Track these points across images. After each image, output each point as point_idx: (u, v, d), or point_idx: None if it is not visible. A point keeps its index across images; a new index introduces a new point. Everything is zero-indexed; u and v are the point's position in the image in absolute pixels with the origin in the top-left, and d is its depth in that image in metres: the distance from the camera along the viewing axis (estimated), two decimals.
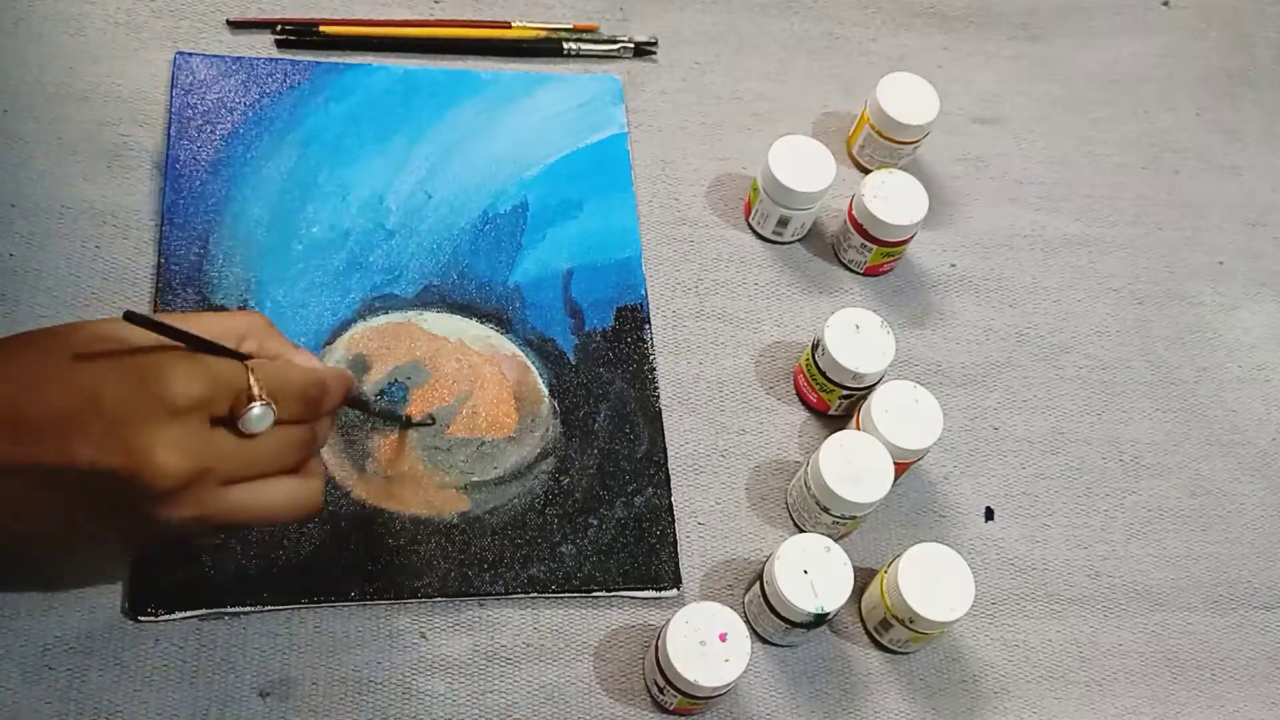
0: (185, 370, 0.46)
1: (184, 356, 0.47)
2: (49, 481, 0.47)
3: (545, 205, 0.75)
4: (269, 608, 0.61)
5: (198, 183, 0.71)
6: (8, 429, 0.46)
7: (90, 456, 0.45)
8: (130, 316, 0.45)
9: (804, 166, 0.73)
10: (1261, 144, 0.89)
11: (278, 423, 0.49)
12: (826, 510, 0.65)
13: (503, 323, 0.70)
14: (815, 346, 0.70)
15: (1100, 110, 0.88)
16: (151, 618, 0.59)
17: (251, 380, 0.48)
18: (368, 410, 0.66)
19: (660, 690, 0.61)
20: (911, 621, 0.62)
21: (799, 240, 0.78)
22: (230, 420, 0.48)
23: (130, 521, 0.48)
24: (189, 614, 0.60)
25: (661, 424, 0.70)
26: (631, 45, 0.82)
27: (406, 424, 0.66)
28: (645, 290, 0.73)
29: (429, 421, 0.66)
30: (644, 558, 0.65)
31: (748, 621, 0.64)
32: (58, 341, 0.47)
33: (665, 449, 0.69)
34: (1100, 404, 0.76)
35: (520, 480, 0.66)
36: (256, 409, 0.47)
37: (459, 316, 0.70)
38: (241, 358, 0.49)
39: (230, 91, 0.74)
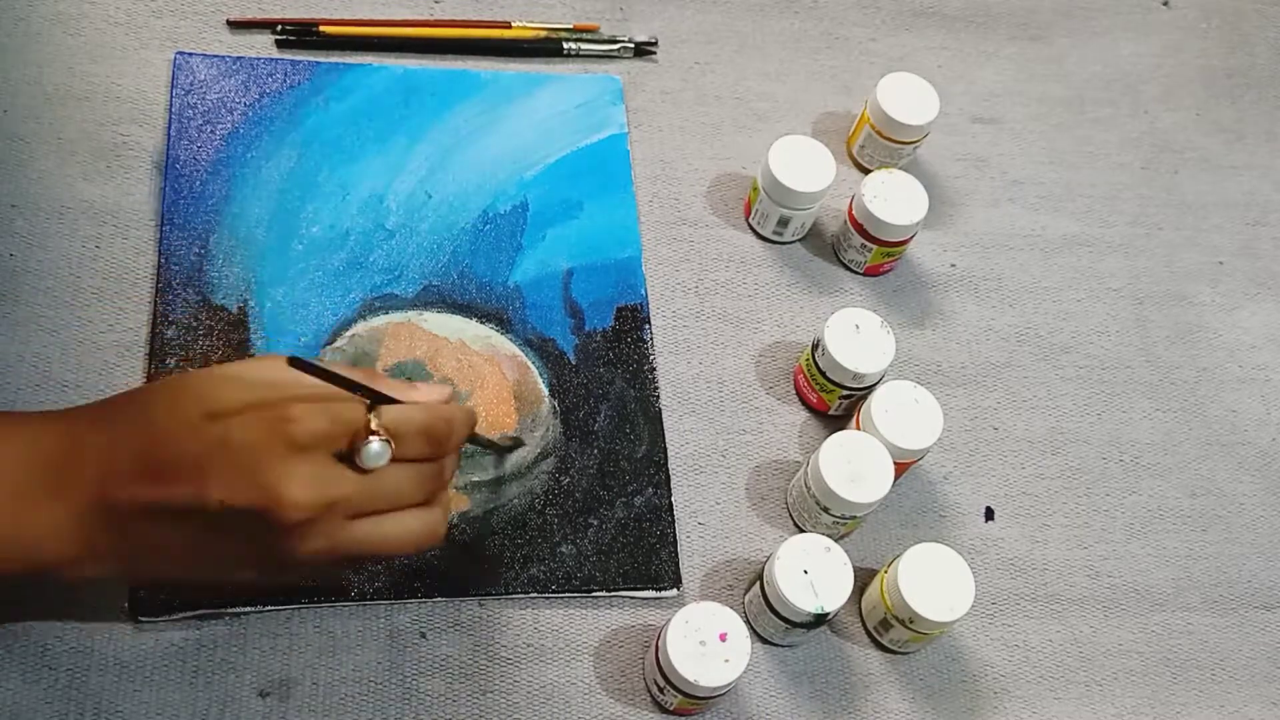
0: (306, 408, 0.48)
1: (304, 395, 0.49)
2: (183, 520, 0.48)
3: (545, 205, 0.75)
4: (269, 608, 0.61)
5: (198, 183, 0.71)
6: (144, 474, 0.48)
7: (222, 495, 0.47)
8: (295, 362, 0.47)
9: (804, 166, 0.73)
10: (1261, 144, 0.89)
11: (402, 460, 0.51)
12: (826, 510, 0.65)
13: (503, 323, 0.70)
14: (815, 346, 0.70)
15: (1100, 110, 0.88)
16: (151, 618, 0.59)
17: (370, 417, 0.49)
18: (492, 446, 0.66)
19: (660, 690, 0.61)
20: (911, 621, 0.62)
21: (799, 240, 0.78)
22: (351, 456, 0.49)
23: (263, 556, 0.50)
24: (189, 614, 0.60)
25: (661, 424, 0.69)
26: (631, 45, 0.82)
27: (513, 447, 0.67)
28: (645, 290, 0.73)
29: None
30: (644, 558, 0.65)
31: (748, 621, 0.64)
32: (187, 392, 0.50)
33: (665, 449, 0.69)
34: (1100, 404, 0.77)
35: (520, 480, 0.66)
36: (375, 445, 0.49)
37: (459, 316, 0.70)
38: (386, 399, 0.51)
39: (230, 91, 0.74)
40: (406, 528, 0.52)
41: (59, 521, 0.49)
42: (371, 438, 0.49)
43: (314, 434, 0.48)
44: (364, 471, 0.49)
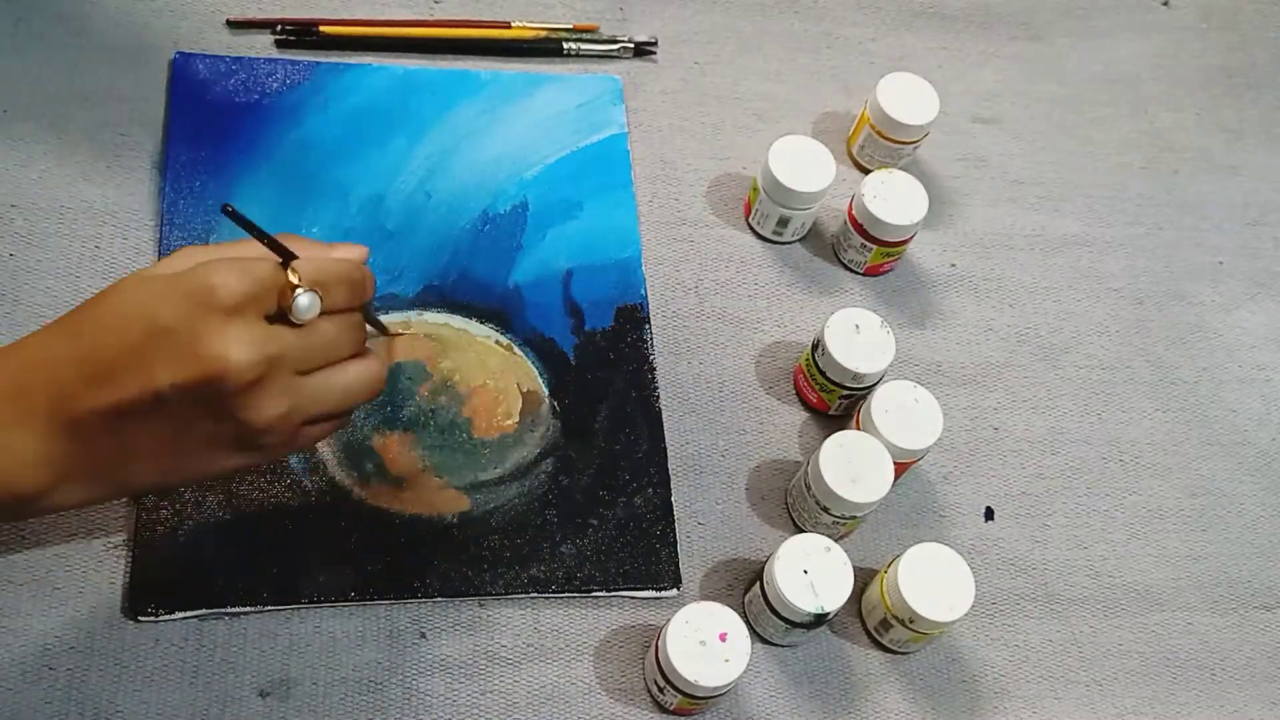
0: (224, 273, 0.49)
1: (219, 263, 0.50)
2: (143, 419, 0.49)
3: (545, 205, 0.75)
4: (269, 608, 0.61)
5: (198, 183, 0.71)
6: (91, 380, 0.49)
7: (169, 376, 0.48)
8: (228, 210, 0.48)
9: (804, 166, 0.73)
10: (1261, 144, 0.89)
11: (329, 312, 0.51)
12: (826, 510, 0.65)
13: (503, 323, 0.70)
14: (815, 346, 0.70)
15: (1100, 110, 0.88)
16: (151, 618, 0.59)
17: (289, 272, 0.50)
18: (376, 324, 0.64)
19: (660, 690, 0.61)
20: (911, 621, 0.62)
21: (799, 240, 0.78)
22: (283, 315, 0.50)
23: (231, 435, 0.51)
24: (189, 614, 0.60)
25: (661, 424, 0.69)
26: (631, 45, 0.82)
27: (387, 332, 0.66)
28: (645, 290, 0.73)
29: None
30: (644, 558, 0.65)
31: (748, 621, 0.64)
32: (112, 294, 0.50)
33: (665, 449, 0.69)
34: (1100, 404, 0.76)
35: (520, 480, 0.66)
36: (304, 298, 0.50)
37: (459, 316, 0.70)
38: (292, 256, 0.51)
39: (230, 91, 0.74)
40: (355, 376, 0.54)
41: (25, 448, 0.49)
42: (299, 291, 0.49)
43: (238, 295, 0.48)
44: (297, 326, 0.50)
